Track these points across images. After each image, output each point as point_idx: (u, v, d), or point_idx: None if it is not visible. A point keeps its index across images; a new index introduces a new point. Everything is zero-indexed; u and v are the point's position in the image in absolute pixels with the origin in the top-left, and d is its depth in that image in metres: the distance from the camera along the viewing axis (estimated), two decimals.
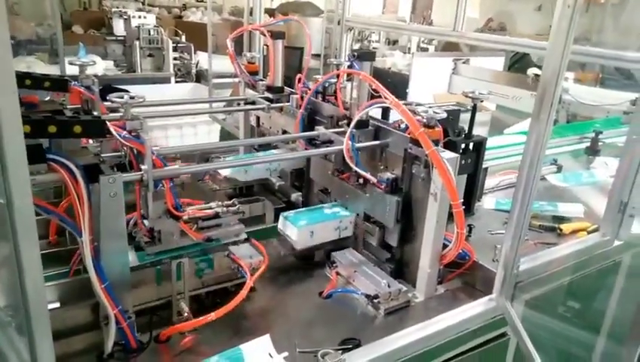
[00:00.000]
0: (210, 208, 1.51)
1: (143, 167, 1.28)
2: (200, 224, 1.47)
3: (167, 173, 1.34)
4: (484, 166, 2.05)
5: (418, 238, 1.60)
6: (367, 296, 1.55)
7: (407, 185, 1.60)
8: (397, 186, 1.61)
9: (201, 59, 6.00)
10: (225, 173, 2.08)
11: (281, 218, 1.72)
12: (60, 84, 1.74)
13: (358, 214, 1.76)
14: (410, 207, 1.61)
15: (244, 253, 1.52)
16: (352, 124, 1.65)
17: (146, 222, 1.40)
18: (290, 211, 1.76)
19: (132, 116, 1.30)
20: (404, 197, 1.60)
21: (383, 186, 1.62)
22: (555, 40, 1.33)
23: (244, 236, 1.55)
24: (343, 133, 1.69)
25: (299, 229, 1.65)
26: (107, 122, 1.29)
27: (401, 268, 1.68)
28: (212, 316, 1.34)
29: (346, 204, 1.79)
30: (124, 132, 1.29)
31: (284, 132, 2.18)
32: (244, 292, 1.41)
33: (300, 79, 2.09)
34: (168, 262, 1.40)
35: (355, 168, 1.64)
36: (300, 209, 1.84)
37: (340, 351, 1.32)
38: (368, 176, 1.65)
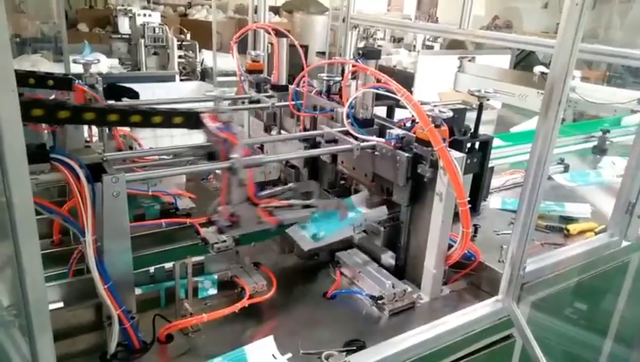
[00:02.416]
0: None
1: (233, 155, 1.38)
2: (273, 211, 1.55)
3: (255, 162, 1.46)
4: (490, 165, 2.03)
5: (423, 238, 1.58)
6: (372, 297, 1.54)
7: (412, 185, 1.58)
8: (406, 143, 1.59)
9: (206, 58, 6.01)
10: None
11: (294, 226, 1.64)
12: (64, 82, 1.73)
13: None
14: (416, 203, 1.60)
15: (247, 274, 1.53)
16: (351, 98, 1.66)
17: (227, 207, 1.46)
18: None
19: (221, 110, 1.45)
20: (410, 192, 1.58)
21: (392, 143, 1.59)
22: (563, 38, 1.31)
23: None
24: (347, 132, 1.68)
25: (315, 242, 1.61)
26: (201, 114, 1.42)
27: (406, 268, 1.67)
28: (204, 317, 1.34)
29: (354, 166, 1.77)
30: (218, 123, 1.40)
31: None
32: (238, 305, 1.41)
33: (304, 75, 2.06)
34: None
35: (359, 136, 1.64)
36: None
37: (344, 353, 1.32)
38: (374, 139, 1.64)
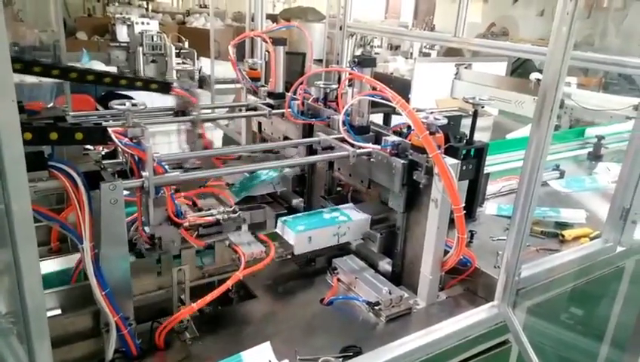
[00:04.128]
0: (212, 215, 1.51)
1: (144, 173, 1.29)
2: (201, 231, 1.47)
3: (167, 180, 1.34)
4: (485, 171, 2.04)
5: (419, 244, 1.59)
6: (369, 303, 1.55)
7: (408, 191, 1.60)
8: (402, 150, 1.60)
9: (204, 65, 6.03)
10: None
11: (279, 222, 1.70)
12: (165, 86, 2.03)
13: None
14: (411, 209, 1.61)
15: (244, 241, 1.50)
16: (347, 105, 1.66)
17: (146, 228, 1.40)
18: (289, 216, 1.75)
19: (133, 123, 1.31)
20: (406, 199, 1.60)
21: (388, 150, 1.61)
22: (555, 46, 1.33)
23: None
24: (344, 139, 1.70)
25: (296, 234, 1.62)
26: (108, 129, 1.30)
27: (403, 274, 1.68)
28: (193, 307, 1.34)
29: (351, 172, 1.79)
30: (126, 139, 1.29)
31: (285, 138, 2.18)
32: (229, 283, 1.39)
33: (301, 83, 2.08)
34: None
35: (355, 143, 1.65)
36: (300, 213, 1.83)
37: (341, 359, 1.32)
38: (370, 146, 1.65)
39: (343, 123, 1.71)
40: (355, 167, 1.72)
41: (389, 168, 1.60)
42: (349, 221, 1.72)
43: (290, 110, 2.01)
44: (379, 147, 1.64)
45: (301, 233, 1.62)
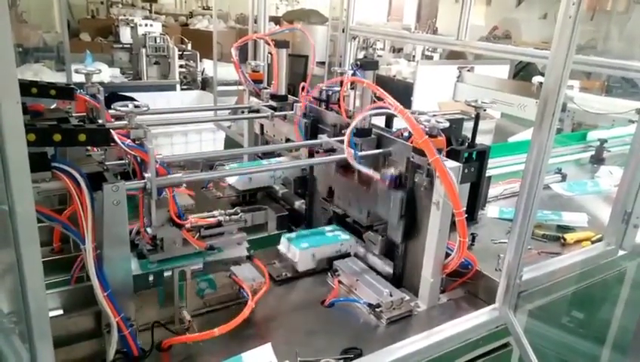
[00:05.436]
0: (213, 216, 1.51)
1: (146, 175, 1.29)
2: (202, 232, 1.47)
3: (170, 181, 1.34)
4: (487, 174, 2.04)
5: (421, 247, 1.59)
6: (370, 305, 1.55)
7: (409, 194, 1.60)
8: (400, 182, 1.61)
9: (207, 67, 6.05)
10: (230, 180, 2.10)
11: (283, 240, 1.76)
12: (66, 92, 1.76)
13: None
14: (413, 215, 1.61)
15: (247, 274, 1.53)
16: (352, 125, 1.63)
17: (148, 229, 1.41)
18: (292, 233, 1.81)
19: (136, 124, 1.32)
20: (407, 202, 1.60)
21: (386, 182, 1.61)
22: (557, 50, 1.33)
23: (245, 250, 1.57)
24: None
25: (301, 251, 1.70)
26: (111, 130, 1.30)
27: (404, 276, 1.68)
28: (215, 332, 1.34)
29: (350, 202, 1.81)
30: (128, 140, 1.30)
31: (288, 140, 2.19)
32: (246, 312, 1.41)
33: (303, 88, 2.10)
34: (170, 280, 1.41)
35: (357, 166, 1.65)
36: (302, 231, 1.87)
37: (342, 361, 1.32)
38: (371, 172, 1.65)
39: (349, 143, 1.64)
40: (356, 193, 1.75)
41: (387, 200, 1.63)
42: (350, 240, 1.81)
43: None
44: (379, 176, 1.63)
45: (305, 250, 1.70)
